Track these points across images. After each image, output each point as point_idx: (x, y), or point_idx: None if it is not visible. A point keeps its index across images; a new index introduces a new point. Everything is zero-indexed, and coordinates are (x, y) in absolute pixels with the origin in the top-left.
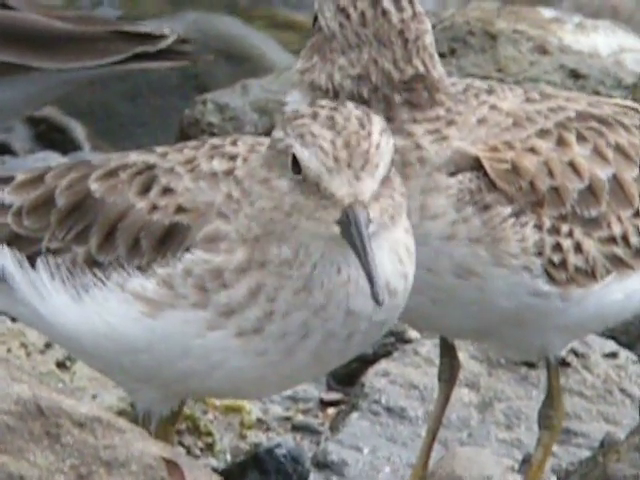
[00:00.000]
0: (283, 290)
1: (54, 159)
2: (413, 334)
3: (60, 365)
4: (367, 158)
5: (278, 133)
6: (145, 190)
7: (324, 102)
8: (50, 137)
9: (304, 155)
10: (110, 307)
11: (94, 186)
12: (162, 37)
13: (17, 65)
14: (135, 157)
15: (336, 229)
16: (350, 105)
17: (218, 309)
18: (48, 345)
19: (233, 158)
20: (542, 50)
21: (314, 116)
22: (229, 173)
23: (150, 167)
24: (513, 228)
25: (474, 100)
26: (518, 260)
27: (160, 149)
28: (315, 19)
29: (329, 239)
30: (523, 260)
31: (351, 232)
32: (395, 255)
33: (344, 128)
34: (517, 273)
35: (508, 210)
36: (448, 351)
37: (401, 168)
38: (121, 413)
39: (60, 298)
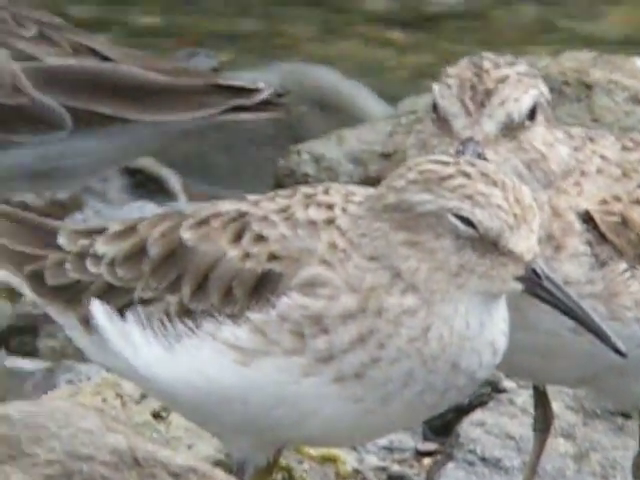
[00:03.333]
0: (397, 337)
1: (150, 209)
2: (508, 384)
3: (156, 415)
4: (534, 212)
5: (421, 196)
6: (237, 238)
7: (445, 157)
8: (146, 187)
9: (482, 216)
10: (203, 357)
11: (186, 235)
12: (257, 90)
13: (113, 117)
14: (227, 206)
15: (517, 285)
16: (477, 160)
17: (316, 355)
18: (143, 395)
19: (330, 207)
20: (637, 100)
21: (466, 175)
22: (329, 222)
23: (242, 215)
24: (627, 281)
25: (586, 149)
26: (631, 312)
27: (252, 197)
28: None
29: (494, 296)
30: (635, 312)
31: (545, 287)
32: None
33: (503, 184)
34: (630, 326)
35: (623, 264)
36: (542, 401)
37: None
38: (217, 463)
39: (152, 349)
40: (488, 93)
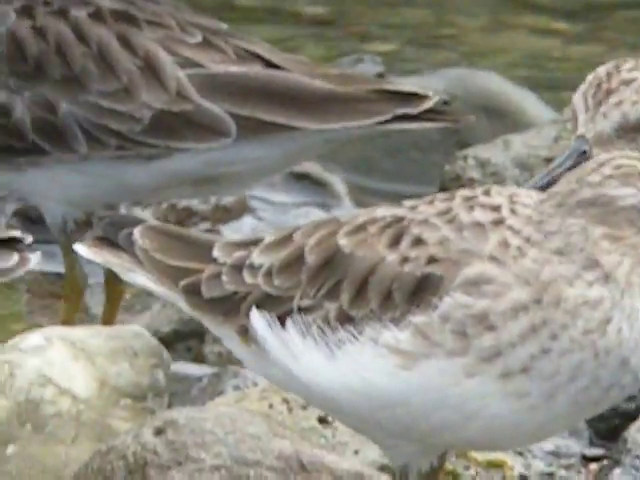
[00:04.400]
0: (573, 328)
1: (315, 214)
2: None
3: (322, 420)
4: None
5: (621, 190)
6: (395, 242)
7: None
8: (311, 192)
9: None
10: (364, 362)
11: (343, 241)
12: (424, 97)
13: (278, 124)
14: (383, 211)
15: None
16: None
17: (480, 353)
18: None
19: (496, 209)
20: None
21: None
22: (498, 223)
23: (399, 220)
24: None
25: None
26: None
27: (408, 203)
28: None
29: None
30: None
31: None
32: None
33: None
34: None
35: None
36: None
37: None
38: (383, 468)
39: (313, 357)
40: (608, 92)
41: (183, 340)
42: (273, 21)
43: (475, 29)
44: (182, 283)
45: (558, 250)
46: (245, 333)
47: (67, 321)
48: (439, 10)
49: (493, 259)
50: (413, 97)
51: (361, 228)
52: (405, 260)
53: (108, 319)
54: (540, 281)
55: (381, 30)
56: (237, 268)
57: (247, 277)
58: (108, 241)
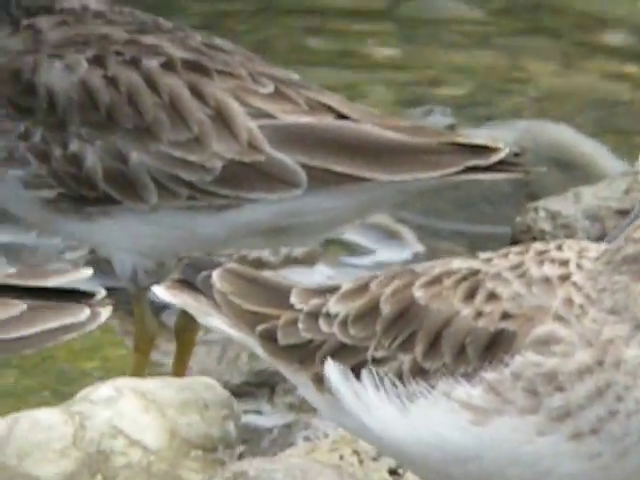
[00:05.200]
0: (636, 389)
1: (386, 263)
2: None
3: (393, 472)
4: None
5: None
6: (470, 296)
7: None
8: (382, 242)
9: None
10: (437, 416)
11: (418, 293)
12: (495, 149)
13: (349, 175)
14: (458, 264)
15: None
16: None
17: (551, 413)
18: (380, 452)
19: (565, 264)
20: None
21: None
22: (565, 279)
23: (474, 273)
24: None
25: None
26: None
27: (484, 255)
28: None
29: None
30: None
31: None
32: None
33: None
34: None
35: None
36: None
37: None
38: None
39: (386, 409)
40: None
41: (254, 391)
42: (343, 64)
43: (546, 73)
44: (258, 329)
45: (611, 309)
46: (320, 381)
47: (138, 372)
48: (510, 54)
49: (560, 318)
50: (484, 149)
51: (437, 280)
52: (479, 315)
53: (179, 370)
54: (600, 342)
55: (452, 74)
56: (313, 316)
57: (323, 325)
58: (186, 283)
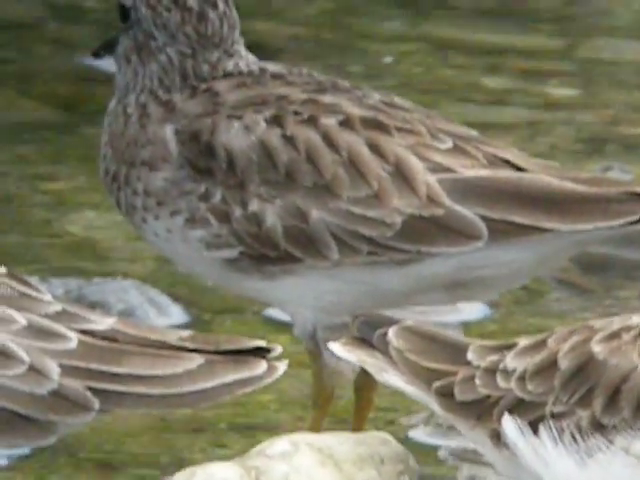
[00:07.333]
0: None
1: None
2: None
3: None
4: None
5: None
6: None
7: None
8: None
9: None
10: (615, 471)
11: (597, 348)
12: None
13: (530, 227)
14: (637, 319)
15: None
16: None
17: None
18: None
19: None
20: None
21: None
22: None
23: None
24: None
25: None
26: None
27: None
28: None
29: None
30: None
31: None
32: None
33: None
34: None
35: None
36: None
37: None
38: None
39: (564, 464)
40: None
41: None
42: (521, 103)
43: None
44: (435, 385)
45: None
46: (497, 437)
47: (315, 428)
48: None
49: None
50: None
51: (615, 335)
52: None
53: (358, 426)
54: None
55: (630, 113)
56: (491, 372)
57: (500, 381)
58: (363, 340)
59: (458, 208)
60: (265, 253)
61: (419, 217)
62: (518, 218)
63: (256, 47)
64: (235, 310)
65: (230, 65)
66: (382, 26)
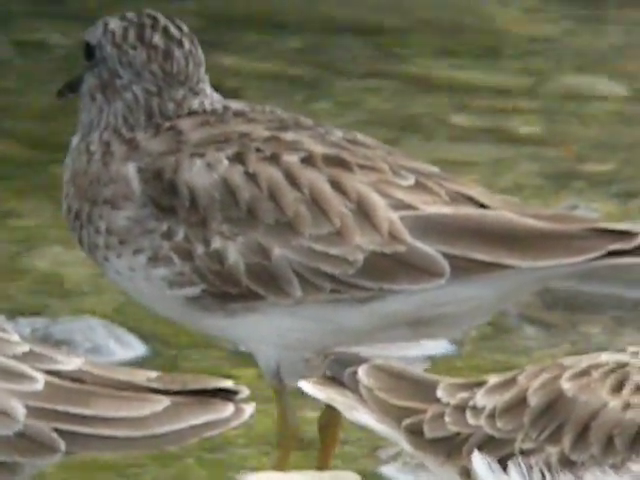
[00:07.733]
0: None
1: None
2: None
3: None
4: None
5: None
6: (618, 388)
7: None
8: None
9: None
10: None
11: (566, 385)
12: (638, 234)
13: (492, 263)
14: (607, 357)
15: None
16: None
17: None
18: None
19: None
20: None
21: None
22: None
23: (622, 366)
24: None
25: None
26: None
27: (632, 348)
28: None
29: None
30: None
31: None
32: None
33: None
34: None
35: None
36: None
37: None
38: None
39: None
40: None
41: None
42: (487, 140)
43: None
44: (405, 423)
45: None
46: (467, 474)
47: (280, 466)
48: None
49: None
50: (626, 234)
51: (585, 373)
52: (627, 406)
53: (322, 464)
54: None
55: (596, 150)
56: (460, 409)
57: (470, 418)
58: (333, 379)
59: (420, 245)
60: (227, 290)
61: (381, 254)
62: (479, 255)
63: (219, 84)
64: (201, 345)
65: (195, 103)
66: (350, 62)
